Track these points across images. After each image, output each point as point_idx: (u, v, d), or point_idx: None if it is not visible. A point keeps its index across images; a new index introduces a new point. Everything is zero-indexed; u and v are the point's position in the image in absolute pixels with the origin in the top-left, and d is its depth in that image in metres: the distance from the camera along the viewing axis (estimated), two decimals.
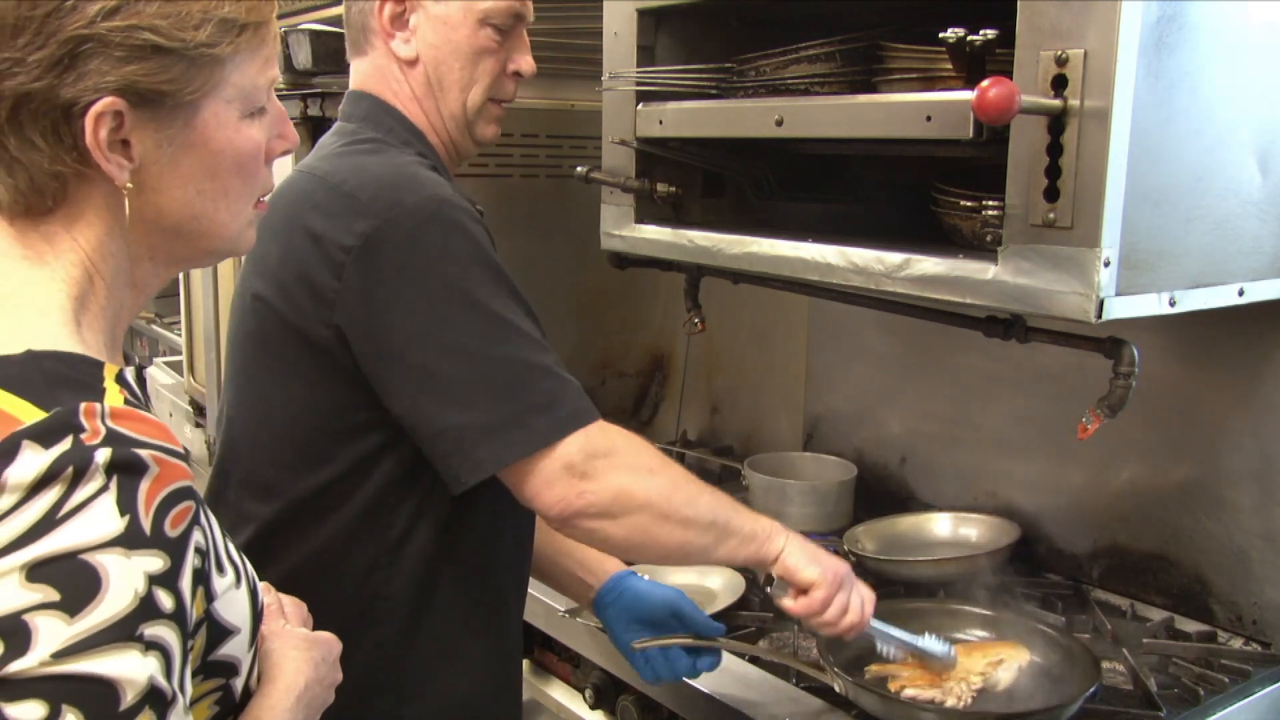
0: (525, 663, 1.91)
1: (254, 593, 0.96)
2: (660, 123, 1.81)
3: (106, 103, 0.84)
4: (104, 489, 0.76)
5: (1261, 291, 1.43)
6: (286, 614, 1.08)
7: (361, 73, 1.51)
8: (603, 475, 1.28)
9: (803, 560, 1.37)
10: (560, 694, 1.84)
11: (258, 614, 0.96)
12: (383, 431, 1.34)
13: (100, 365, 0.85)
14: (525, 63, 1.53)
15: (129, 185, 0.88)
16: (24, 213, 0.88)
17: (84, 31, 0.83)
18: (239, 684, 0.92)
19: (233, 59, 0.91)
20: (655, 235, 1.86)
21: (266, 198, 1.00)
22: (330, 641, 1.07)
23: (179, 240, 0.94)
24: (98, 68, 0.84)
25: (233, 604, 0.90)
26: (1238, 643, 1.69)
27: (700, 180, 1.97)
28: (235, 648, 0.91)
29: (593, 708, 1.75)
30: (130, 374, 0.90)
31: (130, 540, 0.76)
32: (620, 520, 1.30)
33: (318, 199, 1.35)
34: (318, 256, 1.30)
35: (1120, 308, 1.25)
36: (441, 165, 1.51)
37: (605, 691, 1.72)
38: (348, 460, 1.36)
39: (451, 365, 1.27)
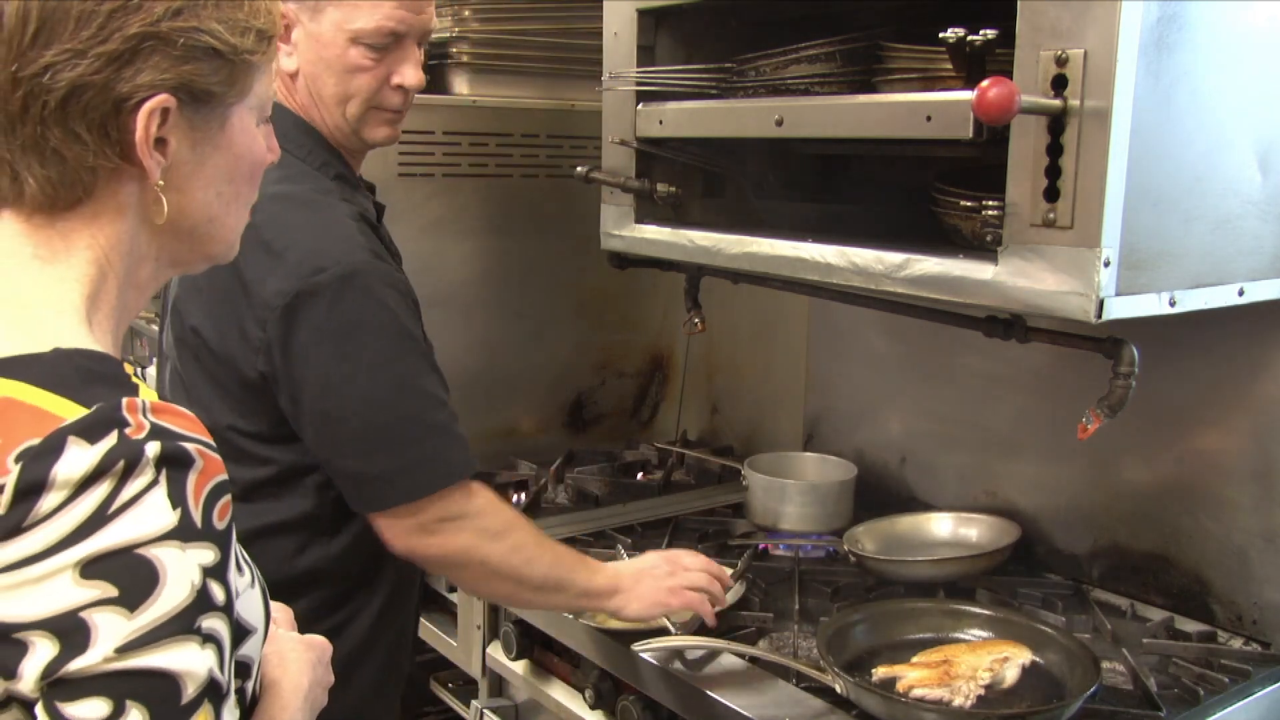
0: (525, 663, 1.92)
1: (265, 593, 0.96)
2: (660, 123, 1.81)
3: (161, 99, 0.86)
4: (154, 483, 0.76)
5: (1261, 291, 1.43)
6: (275, 618, 1.08)
7: None
8: (449, 535, 1.47)
9: (633, 609, 1.58)
10: (560, 694, 1.84)
11: (268, 615, 0.96)
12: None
13: (121, 362, 0.85)
14: (409, 75, 1.56)
15: (161, 183, 0.89)
16: (47, 206, 0.88)
17: (148, 29, 0.85)
18: (250, 686, 0.93)
19: (260, 68, 0.94)
20: (655, 235, 1.86)
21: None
22: (323, 645, 1.07)
23: (190, 241, 0.95)
24: (156, 64, 0.85)
25: (250, 603, 0.91)
26: (1238, 643, 1.69)
27: (700, 180, 1.97)
28: (252, 648, 0.91)
29: (593, 708, 1.75)
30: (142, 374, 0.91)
31: (184, 533, 0.76)
32: (459, 571, 1.55)
33: (247, 250, 1.41)
34: (248, 308, 1.43)
35: (1120, 308, 1.25)
36: (347, 168, 1.60)
37: (605, 692, 1.72)
38: (282, 464, 1.50)
39: (353, 418, 1.44)
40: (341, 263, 1.41)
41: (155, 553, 0.75)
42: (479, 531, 1.48)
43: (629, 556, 1.86)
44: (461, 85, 2.37)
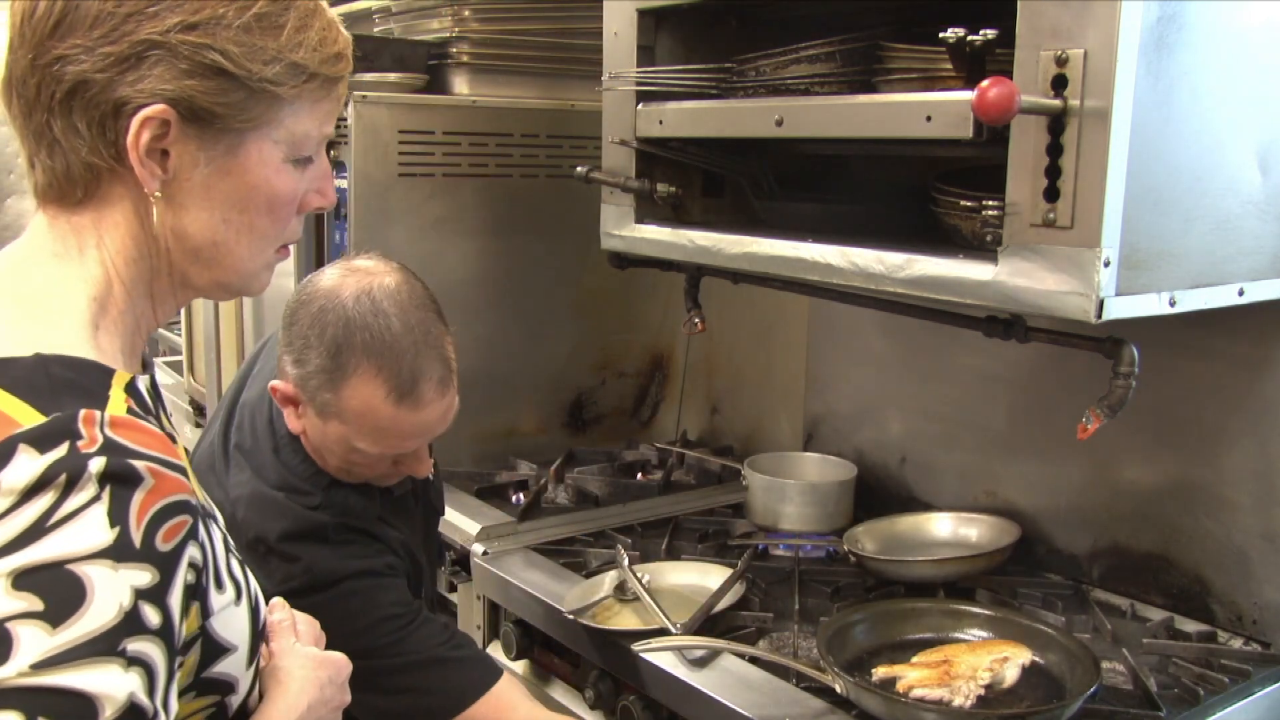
0: (525, 663, 1.92)
1: (255, 610, 0.95)
2: (660, 123, 1.81)
3: (158, 109, 0.86)
4: (96, 499, 0.75)
5: (1261, 291, 1.43)
6: (299, 631, 1.07)
7: None
8: None
9: None
10: (560, 694, 1.84)
11: (258, 632, 0.95)
12: None
13: (110, 373, 0.84)
14: (419, 469, 1.56)
15: (158, 195, 0.89)
16: (56, 199, 0.89)
17: (157, 38, 0.85)
18: (235, 701, 0.91)
19: (293, 103, 0.92)
20: (655, 235, 1.86)
21: (290, 247, 1.01)
22: (339, 662, 1.06)
23: (196, 264, 0.94)
24: (160, 74, 0.86)
25: (231, 621, 0.89)
26: (1238, 643, 1.69)
27: (700, 180, 1.96)
28: (232, 665, 0.90)
29: (592, 708, 1.74)
30: (144, 383, 0.90)
31: (119, 553, 0.75)
32: None
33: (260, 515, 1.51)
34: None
35: (1120, 308, 1.25)
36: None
37: (605, 692, 1.72)
38: None
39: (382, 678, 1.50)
40: (325, 569, 1.48)
41: (86, 570, 0.73)
42: None
43: (629, 556, 1.86)
44: (461, 85, 2.37)
